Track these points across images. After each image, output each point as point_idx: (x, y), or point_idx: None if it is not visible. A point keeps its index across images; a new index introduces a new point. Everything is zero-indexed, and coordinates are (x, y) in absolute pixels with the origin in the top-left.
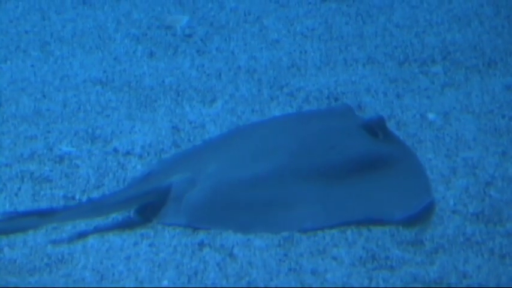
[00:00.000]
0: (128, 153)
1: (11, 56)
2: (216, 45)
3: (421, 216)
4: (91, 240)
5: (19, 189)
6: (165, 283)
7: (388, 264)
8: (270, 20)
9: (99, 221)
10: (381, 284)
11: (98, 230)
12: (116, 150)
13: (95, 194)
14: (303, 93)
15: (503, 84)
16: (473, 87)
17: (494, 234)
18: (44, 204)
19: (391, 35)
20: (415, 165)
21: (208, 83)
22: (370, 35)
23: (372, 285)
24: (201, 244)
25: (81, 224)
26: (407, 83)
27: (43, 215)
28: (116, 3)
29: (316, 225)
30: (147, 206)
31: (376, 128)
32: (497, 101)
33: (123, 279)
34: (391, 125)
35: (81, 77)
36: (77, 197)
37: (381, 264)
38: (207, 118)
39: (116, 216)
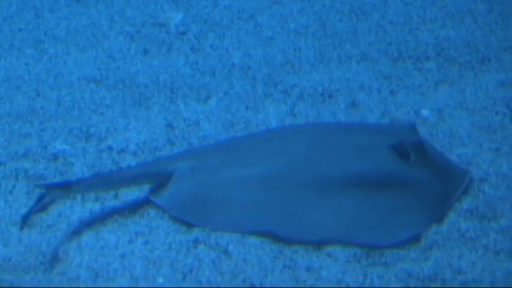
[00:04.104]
0: (122, 150)
1: (5, 54)
2: (210, 42)
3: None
4: (86, 238)
5: (13, 187)
6: (160, 280)
7: (382, 261)
8: (264, 17)
9: (93, 218)
10: (376, 281)
11: (93, 228)
12: (110, 148)
13: None
14: (297, 90)
15: (497, 80)
16: (467, 83)
17: (488, 230)
18: None
19: (384, 31)
20: (431, 193)
21: (203, 80)
22: (364, 32)
23: (367, 282)
24: (196, 241)
25: (76, 222)
26: (401, 79)
27: (62, 188)
28: (110, 1)
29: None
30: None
31: (409, 150)
32: (491, 98)
33: (118, 277)
34: (385, 122)
35: (75, 74)
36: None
37: (376, 261)
38: (201, 115)
39: (111, 213)
